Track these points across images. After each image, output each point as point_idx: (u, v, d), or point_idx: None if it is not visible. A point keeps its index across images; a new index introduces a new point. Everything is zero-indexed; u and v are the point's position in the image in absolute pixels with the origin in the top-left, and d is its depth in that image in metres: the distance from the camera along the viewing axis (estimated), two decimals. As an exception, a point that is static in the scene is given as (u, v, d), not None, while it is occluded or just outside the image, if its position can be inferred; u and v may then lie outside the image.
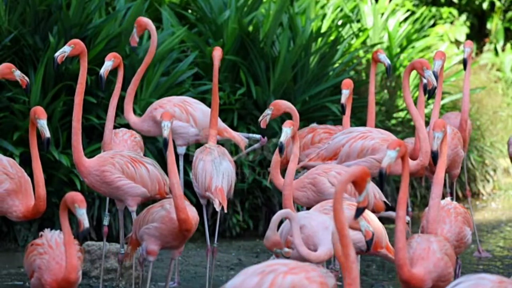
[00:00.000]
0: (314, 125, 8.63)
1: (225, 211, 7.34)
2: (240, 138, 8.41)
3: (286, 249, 5.90)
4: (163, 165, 10.27)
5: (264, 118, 7.11)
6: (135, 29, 8.19)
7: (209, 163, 7.46)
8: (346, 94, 7.89)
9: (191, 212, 6.63)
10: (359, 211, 4.58)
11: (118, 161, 7.15)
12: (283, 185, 6.76)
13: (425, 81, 7.44)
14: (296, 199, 7.24)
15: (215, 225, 11.01)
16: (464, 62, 8.89)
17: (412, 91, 12.59)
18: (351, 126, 8.58)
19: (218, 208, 7.30)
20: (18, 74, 7.20)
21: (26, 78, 7.22)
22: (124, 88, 8.07)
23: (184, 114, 8.16)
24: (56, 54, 7.18)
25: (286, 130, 6.64)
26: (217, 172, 7.43)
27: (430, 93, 7.37)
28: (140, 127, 8.19)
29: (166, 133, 6.54)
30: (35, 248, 5.79)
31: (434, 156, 6.03)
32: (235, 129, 10.56)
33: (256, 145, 8.66)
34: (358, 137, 7.56)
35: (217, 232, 7.66)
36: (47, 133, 6.54)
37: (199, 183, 7.47)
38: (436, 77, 7.66)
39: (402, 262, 5.46)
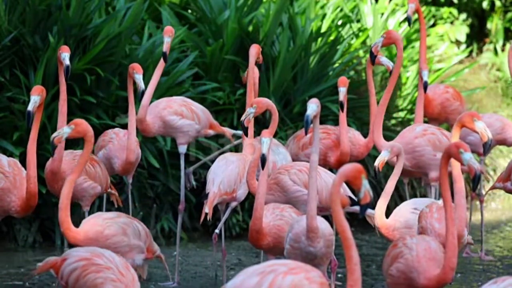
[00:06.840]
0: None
1: (209, 215, 7.37)
2: (229, 132, 8.70)
3: None
4: (164, 166, 10.28)
5: (247, 117, 6.85)
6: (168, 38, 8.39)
7: (220, 167, 7.57)
8: (343, 91, 7.96)
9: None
10: (363, 208, 4.51)
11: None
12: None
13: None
14: (266, 202, 7.23)
15: (215, 225, 11.01)
16: (409, 20, 8.85)
17: (412, 91, 12.59)
18: (348, 126, 8.65)
19: (205, 210, 7.39)
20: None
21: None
22: (122, 88, 8.08)
23: (189, 112, 8.35)
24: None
25: (266, 141, 6.39)
26: (217, 176, 7.53)
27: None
28: (150, 129, 8.26)
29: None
30: (102, 270, 5.41)
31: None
32: (235, 129, 10.57)
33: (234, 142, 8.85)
34: None
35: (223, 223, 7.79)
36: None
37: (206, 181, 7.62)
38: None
39: (451, 270, 5.35)
